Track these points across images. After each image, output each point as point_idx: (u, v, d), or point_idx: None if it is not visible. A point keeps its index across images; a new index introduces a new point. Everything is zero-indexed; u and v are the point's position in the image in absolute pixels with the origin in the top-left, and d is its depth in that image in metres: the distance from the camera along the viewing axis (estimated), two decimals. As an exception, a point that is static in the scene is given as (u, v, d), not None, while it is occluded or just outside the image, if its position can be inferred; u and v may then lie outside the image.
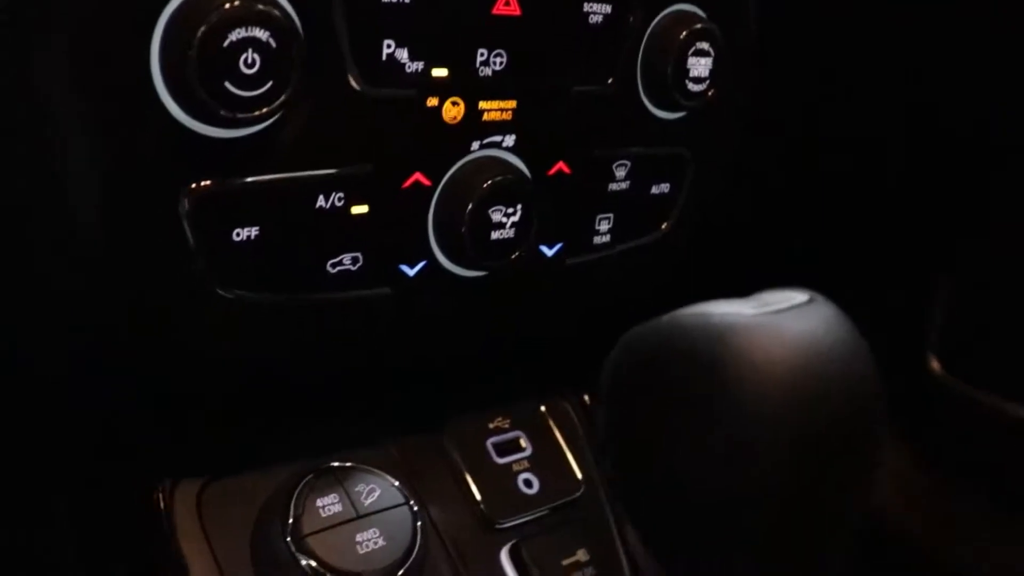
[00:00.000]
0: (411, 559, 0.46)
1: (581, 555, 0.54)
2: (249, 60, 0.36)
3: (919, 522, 0.63)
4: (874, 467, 0.31)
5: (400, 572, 0.45)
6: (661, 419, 0.30)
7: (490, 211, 0.45)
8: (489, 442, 0.56)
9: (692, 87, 0.49)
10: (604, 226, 0.53)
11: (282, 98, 0.37)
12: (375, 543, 0.46)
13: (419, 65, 0.42)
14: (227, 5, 0.35)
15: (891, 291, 0.65)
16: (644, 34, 0.48)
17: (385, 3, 0.40)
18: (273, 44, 0.36)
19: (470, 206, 0.44)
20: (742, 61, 0.53)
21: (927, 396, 0.63)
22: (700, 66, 0.50)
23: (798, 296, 0.32)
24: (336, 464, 0.48)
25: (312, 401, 0.50)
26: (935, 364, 0.62)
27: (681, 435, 0.30)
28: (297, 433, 0.51)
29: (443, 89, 0.43)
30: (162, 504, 0.46)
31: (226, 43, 0.35)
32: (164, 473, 0.46)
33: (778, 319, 0.30)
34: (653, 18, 0.48)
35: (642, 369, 0.31)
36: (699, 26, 0.48)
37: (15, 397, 0.44)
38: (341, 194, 0.42)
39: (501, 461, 0.56)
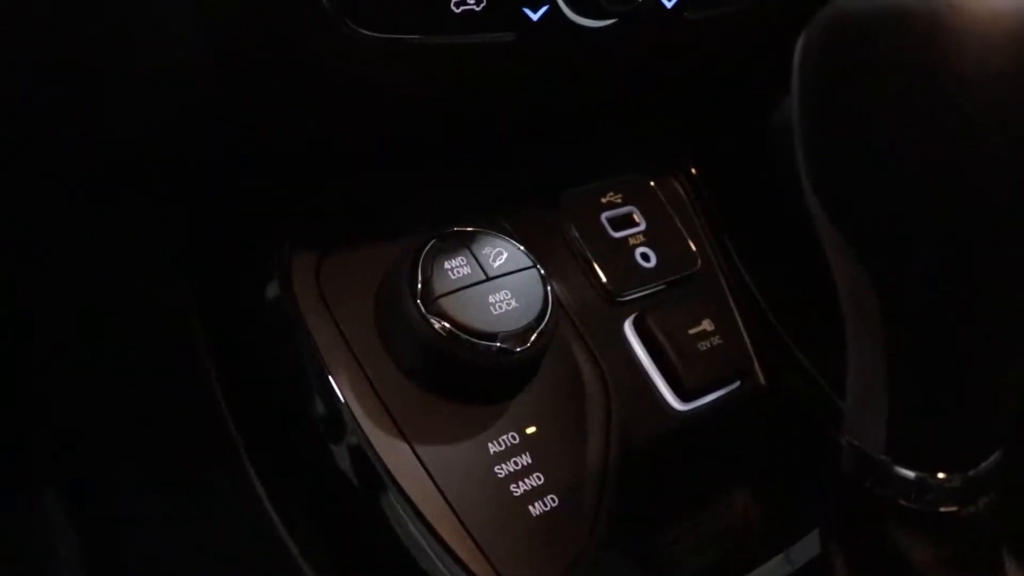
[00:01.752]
0: (544, 322, 0.44)
1: (707, 325, 0.52)
2: None
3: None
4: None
5: (534, 335, 0.44)
6: (872, 96, 0.27)
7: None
8: (603, 216, 0.54)
9: None
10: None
11: None
12: (508, 304, 0.44)
13: None
14: None
15: None
16: None
17: None
18: None
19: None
20: None
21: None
22: None
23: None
24: (455, 228, 0.46)
25: (426, 165, 0.48)
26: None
27: (897, 107, 0.27)
28: (410, 204, 0.48)
29: None
30: (281, 271, 0.45)
31: None
32: (283, 241, 0.45)
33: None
34: None
35: (848, 42, 0.28)
36: None
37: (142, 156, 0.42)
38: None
39: (617, 235, 0.54)
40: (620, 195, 0.55)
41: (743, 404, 0.51)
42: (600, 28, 0.44)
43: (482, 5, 0.41)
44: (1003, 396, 0.31)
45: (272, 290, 0.45)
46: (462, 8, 0.40)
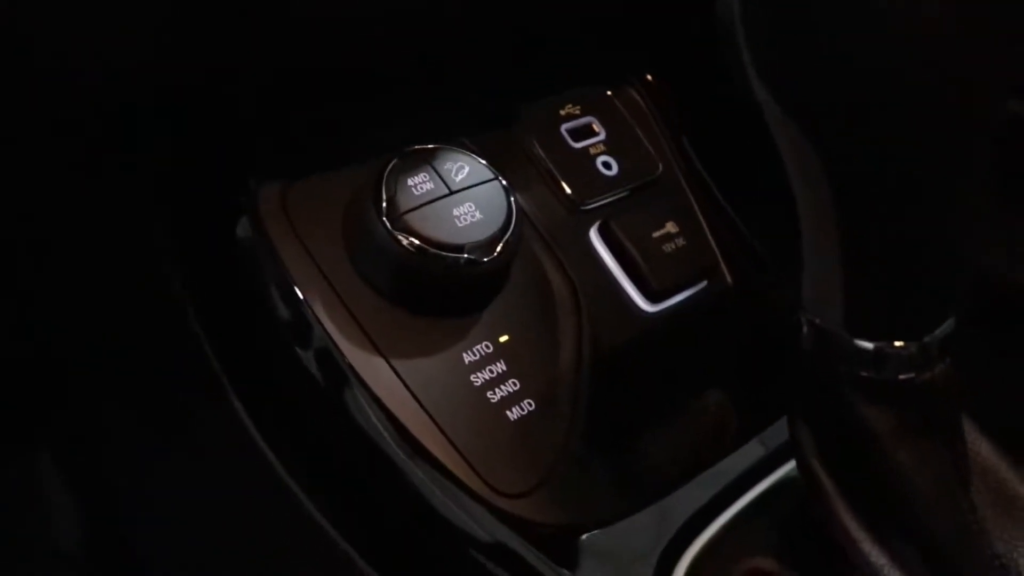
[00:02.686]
0: (509, 231, 0.45)
1: (670, 227, 0.53)
2: None
3: None
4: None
5: (500, 245, 0.44)
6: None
7: None
8: (563, 128, 0.54)
9: None
10: None
11: None
12: (472, 216, 0.44)
13: None
14: None
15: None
16: None
17: None
18: None
19: None
20: None
21: None
22: None
23: None
24: (416, 147, 0.46)
25: (387, 92, 0.48)
26: None
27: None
28: (371, 131, 0.49)
29: None
30: (250, 206, 0.45)
31: None
32: (248, 177, 0.45)
33: None
34: None
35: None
36: None
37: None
38: None
39: (577, 146, 0.54)
40: (579, 107, 0.56)
41: (711, 302, 0.52)
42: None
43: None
44: (953, 264, 0.32)
45: (243, 227, 0.45)
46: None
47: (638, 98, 0.58)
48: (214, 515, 0.53)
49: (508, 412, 0.45)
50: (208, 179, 0.47)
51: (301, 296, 0.45)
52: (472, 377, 0.45)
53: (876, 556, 0.34)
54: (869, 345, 0.33)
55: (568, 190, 0.52)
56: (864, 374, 0.34)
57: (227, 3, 0.39)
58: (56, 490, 0.68)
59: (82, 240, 0.50)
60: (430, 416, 0.44)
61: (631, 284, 0.51)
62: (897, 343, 0.33)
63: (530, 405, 0.45)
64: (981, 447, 0.37)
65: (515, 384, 0.46)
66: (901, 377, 0.33)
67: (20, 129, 0.43)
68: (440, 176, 0.45)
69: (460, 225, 0.44)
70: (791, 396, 0.37)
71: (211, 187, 0.47)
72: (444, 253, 0.43)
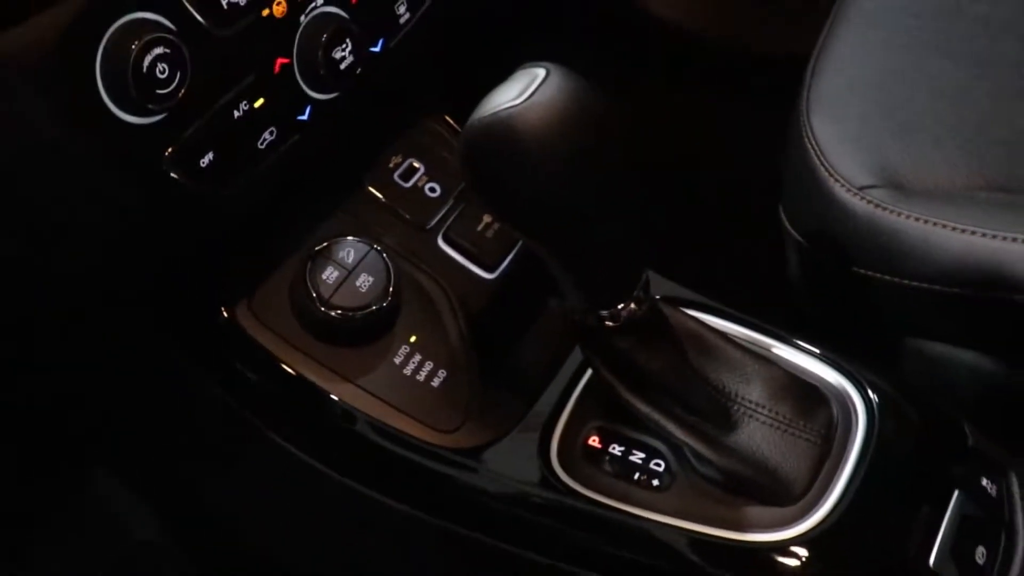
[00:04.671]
0: (393, 280, 0.72)
1: (486, 219, 0.80)
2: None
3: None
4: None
5: (390, 292, 0.72)
6: (497, 164, 0.55)
7: (334, 52, 0.67)
8: (395, 176, 0.81)
9: None
10: (402, 9, 0.74)
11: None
12: (368, 281, 0.71)
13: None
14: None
15: None
16: None
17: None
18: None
19: (319, 53, 0.66)
20: None
21: None
22: None
23: (538, 72, 0.56)
24: (316, 248, 0.73)
25: (294, 199, 0.73)
26: None
27: (506, 168, 0.55)
28: (285, 233, 0.75)
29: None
30: (228, 315, 0.72)
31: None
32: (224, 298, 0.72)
33: (539, 95, 0.54)
34: None
35: (475, 151, 0.56)
36: None
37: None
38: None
39: (408, 184, 0.81)
40: (400, 155, 0.82)
41: (528, 260, 0.80)
42: (336, 97, 0.70)
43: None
44: (621, 273, 0.61)
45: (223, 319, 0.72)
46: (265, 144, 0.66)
47: (443, 133, 0.84)
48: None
49: (432, 382, 0.73)
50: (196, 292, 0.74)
51: (278, 359, 0.72)
52: (403, 370, 0.73)
53: (643, 408, 0.64)
54: (606, 312, 0.62)
55: (412, 219, 0.79)
56: (609, 323, 0.62)
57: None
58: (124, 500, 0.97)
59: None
60: (383, 400, 0.72)
61: (474, 265, 0.79)
62: (619, 306, 0.62)
63: (444, 373, 0.74)
64: (691, 326, 0.67)
65: (430, 364, 0.74)
66: (623, 318, 0.62)
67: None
68: (338, 263, 0.72)
69: (363, 291, 0.71)
70: (579, 338, 0.66)
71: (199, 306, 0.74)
72: (359, 313, 0.71)
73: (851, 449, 0.67)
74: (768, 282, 0.89)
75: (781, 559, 0.64)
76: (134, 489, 0.97)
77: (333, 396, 0.72)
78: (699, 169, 1.25)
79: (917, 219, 0.73)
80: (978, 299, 0.72)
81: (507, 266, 0.80)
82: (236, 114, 0.64)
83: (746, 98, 1.25)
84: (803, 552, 0.64)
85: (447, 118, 0.84)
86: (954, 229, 0.72)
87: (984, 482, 0.70)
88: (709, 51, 1.35)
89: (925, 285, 0.73)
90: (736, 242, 1.13)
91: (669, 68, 1.33)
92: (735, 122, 1.25)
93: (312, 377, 0.72)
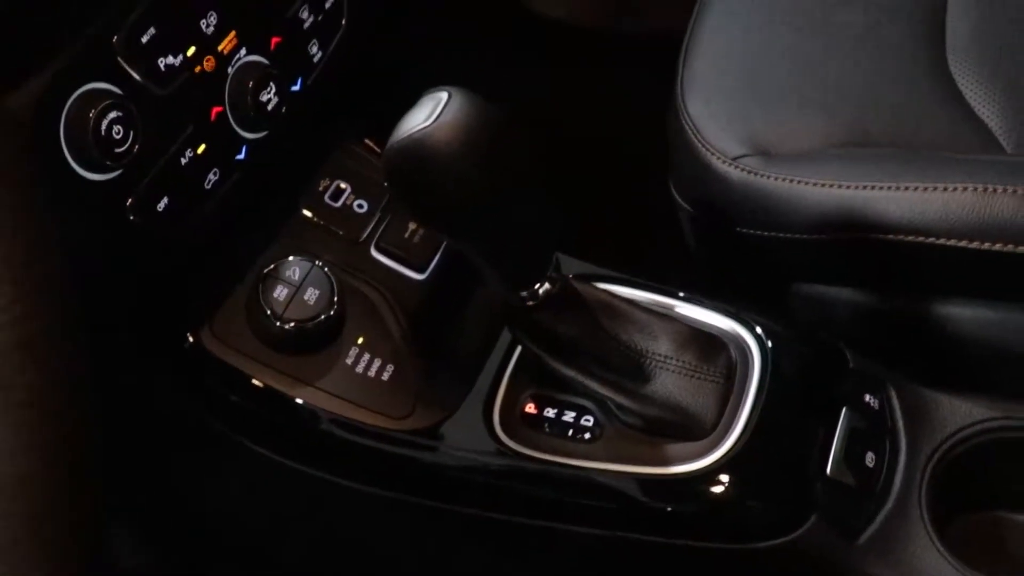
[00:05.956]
0: (336, 290, 0.81)
1: (411, 226, 0.89)
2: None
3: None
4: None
5: (336, 298, 0.81)
6: (413, 181, 0.65)
7: (261, 96, 0.76)
8: (325, 198, 0.90)
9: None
10: (314, 49, 0.83)
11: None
12: (315, 294, 0.80)
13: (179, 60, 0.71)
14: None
15: None
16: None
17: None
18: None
19: (248, 98, 0.75)
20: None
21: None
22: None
23: (441, 96, 0.65)
24: (265, 270, 0.81)
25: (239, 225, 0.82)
26: None
27: (424, 184, 0.65)
28: (233, 265, 0.84)
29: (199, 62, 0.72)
30: (194, 339, 0.80)
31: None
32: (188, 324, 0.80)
33: (444, 116, 0.64)
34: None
35: (396, 170, 0.66)
36: None
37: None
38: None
39: (339, 204, 0.90)
40: (327, 178, 0.91)
41: (453, 257, 0.89)
42: (264, 136, 0.79)
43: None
44: (534, 259, 0.71)
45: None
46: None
47: (364, 154, 0.93)
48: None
49: (382, 377, 0.83)
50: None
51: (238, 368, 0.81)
52: (356, 368, 0.82)
53: (567, 372, 0.75)
54: (525, 293, 0.72)
55: (346, 234, 0.88)
56: (529, 303, 0.73)
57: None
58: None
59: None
60: (341, 398, 0.82)
61: (407, 268, 0.88)
62: (536, 286, 0.72)
63: (392, 367, 0.83)
64: (601, 296, 0.77)
65: (379, 360, 0.83)
66: (542, 294, 0.72)
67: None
68: (286, 281, 0.81)
69: (311, 303, 0.80)
70: (506, 319, 0.76)
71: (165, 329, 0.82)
72: (310, 323, 0.80)
73: (750, 384, 0.78)
74: (670, 247, 1.00)
75: (702, 485, 0.76)
76: (120, 516, 1.05)
77: (298, 400, 0.81)
78: (598, 152, 1.36)
79: (784, 179, 0.84)
80: (843, 242, 0.83)
81: (436, 265, 0.89)
82: (183, 161, 0.73)
83: (638, 82, 1.36)
84: (721, 476, 0.75)
85: (367, 140, 0.93)
86: (815, 184, 0.83)
87: (867, 398, 0.82)
88: (597, 41, 1.46)
89: (797, 236, 0.84)
90: (639, 214, 1.24)
91: (563, 62, 1.44)
92: (628, 105, 1.36)
93: (277, 386, 0.81)
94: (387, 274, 0.88)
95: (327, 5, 0.84)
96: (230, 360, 0.81)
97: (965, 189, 0.77)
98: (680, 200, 0.93)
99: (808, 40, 0.95)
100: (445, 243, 0.89)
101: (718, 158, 0.86)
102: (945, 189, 0.78)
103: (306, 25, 0.82)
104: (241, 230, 0.83)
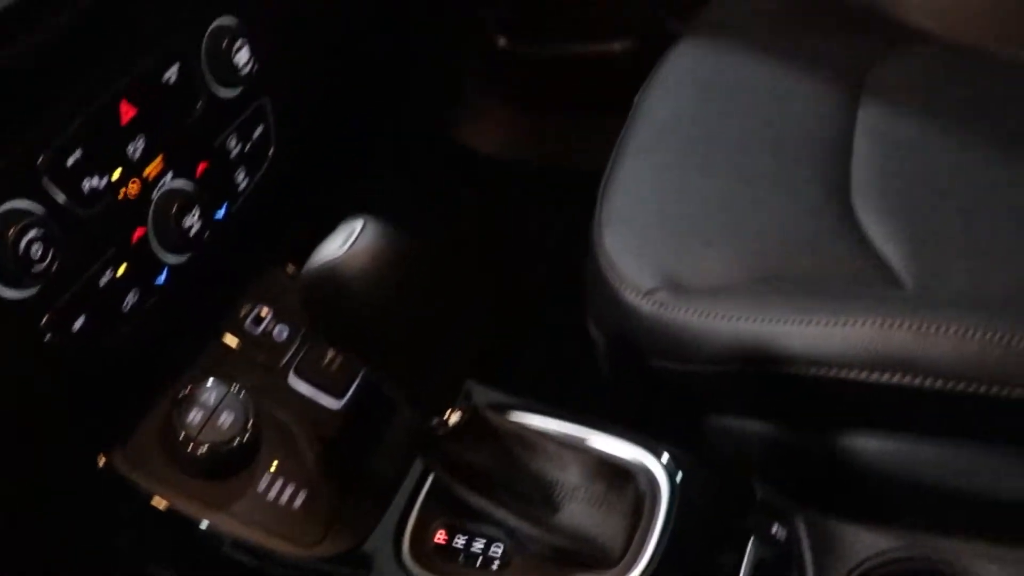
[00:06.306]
0: (251, 416, 0.82)
1: (330, 355, 0.90)
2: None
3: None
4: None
5: (251, 423, 0.81)
6: (326, 305, 0.66)
7: (184, 221, 0.78)
8: (246, 324, 0.91)
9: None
10: (240, 177, 0.85)
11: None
12: (230, 418, 0.81)
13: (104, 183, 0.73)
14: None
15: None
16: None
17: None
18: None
19: (171, 223, 0.77)
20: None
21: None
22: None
23: (356, 224, 0.67)
24: (181, 394, 0.82)
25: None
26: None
27: (336, 309, 0.66)
28: (149, 386, 0.84)
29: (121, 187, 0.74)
30: (107, 460, 0.80)
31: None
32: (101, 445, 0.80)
33: (357, 245, 0.66)
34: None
35: (310, 297, 0.67)
36: None
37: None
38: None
39: (259, 331, 0.91)
40: (250, 303, 0.92)
41: (370, 385, 0.90)
42: (188, 260, 0.80)
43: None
44: (444, 386, 0.72)
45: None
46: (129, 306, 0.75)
47: (286, 281, 0.94)
48: None
49: (293, 504, 0.83)
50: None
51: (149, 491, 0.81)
52: (267, 496, 0.82)
53: (478, 501, 0.75)
54: (435, 420, 0.73)
55: (263, 361, 0.89)
56: (438, 432, 0.74)
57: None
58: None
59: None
60: (250, 524, 0.81)
61: (325, 394, 0.89)
62: (445, 416, 0.73)
63: (304, 494, 0.83)
64: (511, 427, 0.78)
65: (291, 487, 0.83)
66: (451, 425, 0.73)
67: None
68: (201, 404, 0.81)
69: (225, 427, 0.81)
70: (419, 446, 0.77)
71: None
72: (224, 445, 0.80)
73: (658, 515, 0.79)
74: (589, 376, 1.02)
75: (611, 613, 0.76)
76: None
77: (203, 525, 0.81)
78: (519, 277, 1.39)
79: (695, 313, 0.86)
80: (751, 375, 0.85)
81: (353, 392, 0.90)
82: (102, 282, 0.74)
83: (559, 213, 1.40)
84: (629, 604, 0.76)
85: (290, 265, 0.95)
86: (725, 318, 0.85)
87: (775, 529, 0.83)
88: (524, 173, 1.51)
89: (706, 368, 0.86)
90: (556, 343, 1.26)
91: (491, 190, 1.48)
92: (548, 235, 1.40)
93: (185, 510, 0.81)
94: (304, 401, 0.88)
95: (255, 134, 0.87)
96: (141, 482, 0.81)
97: (864, 323, 0.80)
98: (594, 329, 0.95)
99: (719, 181, 0.99)
100: (363, 371, 0.90)
101: (631, 291, 0.89)
102: (846, 323, 0.81)
103: (233, 154, 0.85)
104: (159, 352, 0.83)
